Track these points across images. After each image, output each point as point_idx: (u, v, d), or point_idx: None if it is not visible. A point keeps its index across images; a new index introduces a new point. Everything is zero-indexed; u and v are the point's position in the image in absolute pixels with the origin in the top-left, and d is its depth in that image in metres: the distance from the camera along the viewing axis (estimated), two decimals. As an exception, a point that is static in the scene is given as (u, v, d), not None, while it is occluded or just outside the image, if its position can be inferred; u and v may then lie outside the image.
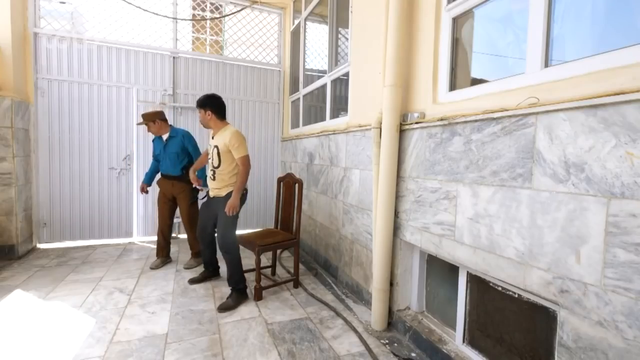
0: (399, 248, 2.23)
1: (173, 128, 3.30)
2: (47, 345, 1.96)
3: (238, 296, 2.58)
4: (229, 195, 2.59)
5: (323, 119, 3.70)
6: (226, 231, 2.57)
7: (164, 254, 3.43)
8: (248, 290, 2.70)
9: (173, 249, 3.96)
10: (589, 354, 1.18)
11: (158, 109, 3.57)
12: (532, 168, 1.37)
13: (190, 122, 4.44)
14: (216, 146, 2.57)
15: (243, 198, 2.67)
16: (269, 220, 4.87)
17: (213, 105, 2.58)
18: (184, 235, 4.50)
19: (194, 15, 5.05)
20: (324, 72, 3.65)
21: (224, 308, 2.47)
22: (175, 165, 3.24)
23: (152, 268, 3.28)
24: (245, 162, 2.54)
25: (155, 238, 4.13)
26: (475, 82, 1.82)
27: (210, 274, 3.03)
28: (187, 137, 3.30)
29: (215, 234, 2.63)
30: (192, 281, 2.94)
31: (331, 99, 3.51)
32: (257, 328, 2.25)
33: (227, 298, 2.57)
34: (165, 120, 3.28)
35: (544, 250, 1.32)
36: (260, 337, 2.14)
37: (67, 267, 3.25)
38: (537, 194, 1.35)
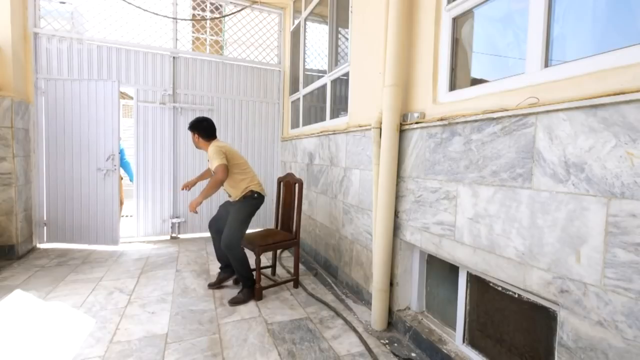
0: (399, 248, 2.23)
1: None
2: (47, 345, 1.96)
3: (249, 291, 2.64)
4: (243, 198, 2.73)
5: (323, 119, 3.70)
6: (231, 232, 2.61)
7: None
8: (248, 290, 2.71)
9: (173, 249, 3.98)
10: (589, 354, 1.18)
11: None
12: (532, 168, 1.37)
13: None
14: (209, 168, 2.79)
15: (255, 204, 2.78)
16: (269, 221, 4.87)
17: (199, 129, 2.78)
18: (184, 235, 4.51)
19: (194, 15, 5.05)
20: (324, 72, 3.65)
21: (235, 302, 2.56)
22: None
23: None
24: (218, 170, 2.54)
25: (154, 238, 4.39)
26: (475, 82, 1.82)
27: (227, 273, 2.91)
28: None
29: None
30: (210, 286, 2.87)
31: (331, 99, 3.50)
32: (257, 328, 2.25)
33: (239, 293, 2.64)
34: None
35: (544, 250, 1.32)
36: (260, 337, 2.14)
37: (67, 267, 3.25)
38: (537, 194, 1.35)
